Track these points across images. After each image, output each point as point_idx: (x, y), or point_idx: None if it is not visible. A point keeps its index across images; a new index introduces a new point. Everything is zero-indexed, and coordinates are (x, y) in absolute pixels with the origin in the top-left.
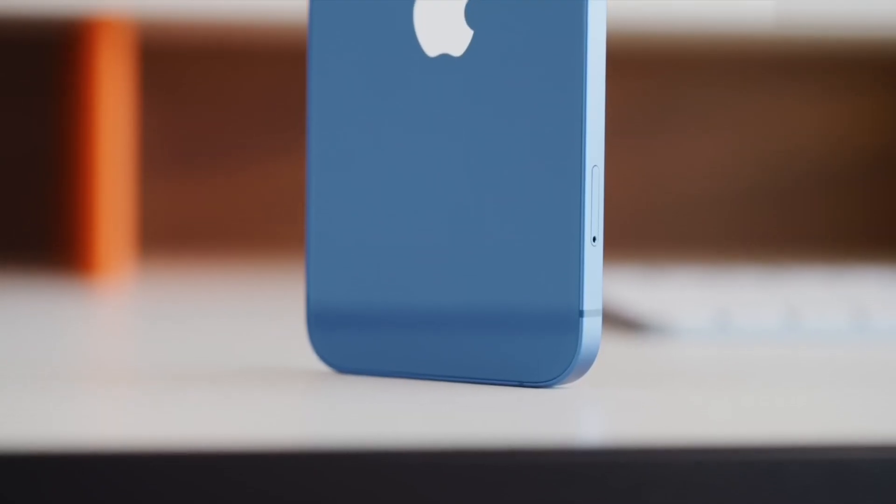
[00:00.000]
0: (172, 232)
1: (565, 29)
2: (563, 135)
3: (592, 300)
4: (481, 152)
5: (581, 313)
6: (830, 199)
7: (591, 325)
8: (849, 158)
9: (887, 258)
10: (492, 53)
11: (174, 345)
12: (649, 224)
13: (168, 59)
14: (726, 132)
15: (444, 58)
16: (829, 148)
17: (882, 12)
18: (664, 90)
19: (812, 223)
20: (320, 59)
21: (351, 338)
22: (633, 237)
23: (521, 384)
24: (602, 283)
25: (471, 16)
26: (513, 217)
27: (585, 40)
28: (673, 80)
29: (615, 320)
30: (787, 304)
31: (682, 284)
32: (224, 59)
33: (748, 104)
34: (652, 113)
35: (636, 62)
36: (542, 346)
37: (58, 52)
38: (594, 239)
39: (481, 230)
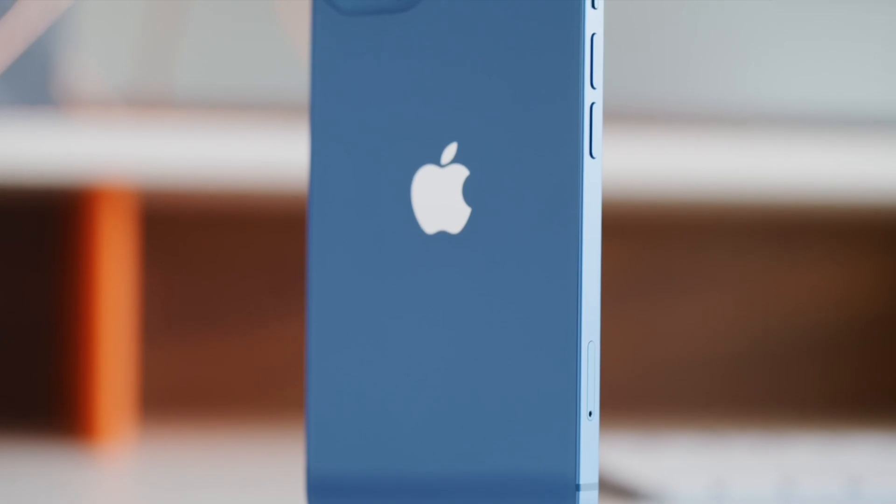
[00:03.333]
0: (174, 397)
1: (560, 209)
2: (558, 312)
3: (588, 474)
4: (478, 328)
5: (577, 487)
6: (826, 364)
7: (588, 499)
8: (845, 323)
9: (882, 424)
10: (489, 231)
11: None
12: (645, 387)
13: (169, 224)
14: (722, 296)
15: (442, 235)
16: (825, 312)
17: (876, 177)
18: (658, 254)
19: (808, 387)
20: (320, 230)
21: None
22: (628, 400)
23: None
24: (598, 456)
25: (468, 193)
26: (510, 391)
27: (581, 218)
28: (668, 244)
29: (611, 488)
30: (781, 472)
31: (678, 450)
32: (225, 225)
33: (743, 268)
34: (646, 277)
35: (632, 227)
36: None
37: (59, 218)
38: (590, 413)
39: (479, 404)
